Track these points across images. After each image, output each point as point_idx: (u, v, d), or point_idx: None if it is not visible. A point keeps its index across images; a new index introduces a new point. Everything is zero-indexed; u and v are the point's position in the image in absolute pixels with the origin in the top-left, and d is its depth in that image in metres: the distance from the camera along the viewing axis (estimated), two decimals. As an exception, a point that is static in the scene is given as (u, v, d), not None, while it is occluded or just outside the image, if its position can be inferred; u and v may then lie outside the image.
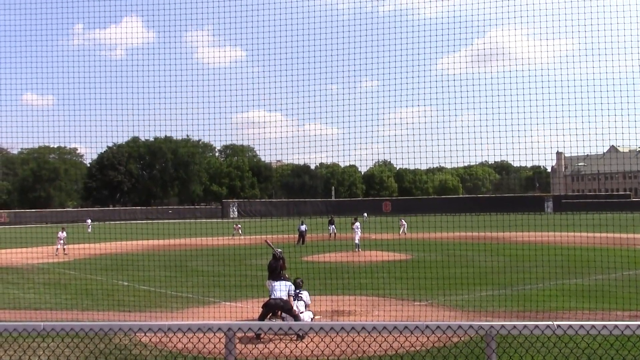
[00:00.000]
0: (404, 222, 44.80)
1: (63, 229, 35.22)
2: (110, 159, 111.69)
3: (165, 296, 18.33)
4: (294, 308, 12.76)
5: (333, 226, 43.38)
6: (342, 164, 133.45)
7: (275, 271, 14.58)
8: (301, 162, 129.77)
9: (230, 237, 42.71)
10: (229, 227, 50.09)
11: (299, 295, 13.19)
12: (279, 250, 15.21)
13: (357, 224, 34.83)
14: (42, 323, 4.77)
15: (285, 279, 13.51)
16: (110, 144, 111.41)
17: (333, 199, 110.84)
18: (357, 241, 33.09)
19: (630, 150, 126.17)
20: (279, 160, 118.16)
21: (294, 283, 13.50)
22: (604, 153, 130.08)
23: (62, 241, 33.97)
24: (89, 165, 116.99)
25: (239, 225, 48.42)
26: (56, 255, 32.70)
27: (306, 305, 13.19)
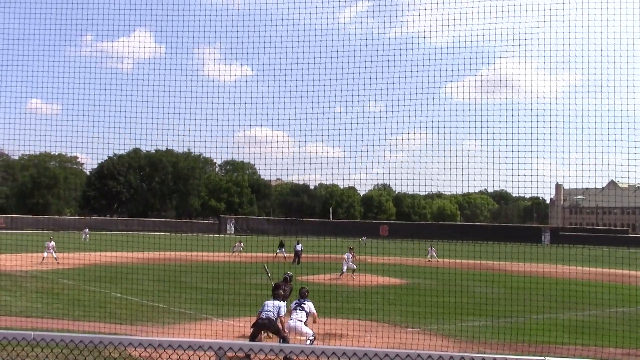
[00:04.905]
0: (433, 249, 44.91)
1: (51, 239, 35.11)
2: (110, 169, 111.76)
3: (158, 310, 18.25)
4: (290, 322, 12.73)
5: (283, 249, 42.68)
6: (341, 186, 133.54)
7: (276, 290, 14.57)
8: (301, 182, 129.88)
9: (230, 254, 42.47)
10: (225, 243, 49.89)
11: (302, 304, 13.14)
12: (290, 273, 15.52)
13: (348, 254, 33.10)
14: (32, 332, 4.77)
15: (278, 298, 13.37)
16: (111, 154, 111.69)
17: (331, 219, 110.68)
18: (344, 269, 31.54)
19: (629, 186, 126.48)
20: (278, 179, 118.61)
21: (299, 292, 13.48)
22: (602, 188, 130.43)
23: (50, 250, 33.67)
24: (88, 173, 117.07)
25: (241, 242, 47.91)
26: (41, 263, 32.28)
27: (307, 315, 13.09)
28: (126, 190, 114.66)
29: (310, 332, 12.92)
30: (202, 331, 14.75)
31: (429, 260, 42.17)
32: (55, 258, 33.21)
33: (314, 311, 13.28)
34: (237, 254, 43.80)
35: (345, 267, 31.15)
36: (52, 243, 34.22)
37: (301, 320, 12.92)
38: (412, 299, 19.84)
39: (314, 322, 13.53)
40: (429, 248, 45.22)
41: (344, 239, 55.93)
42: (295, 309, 13.09)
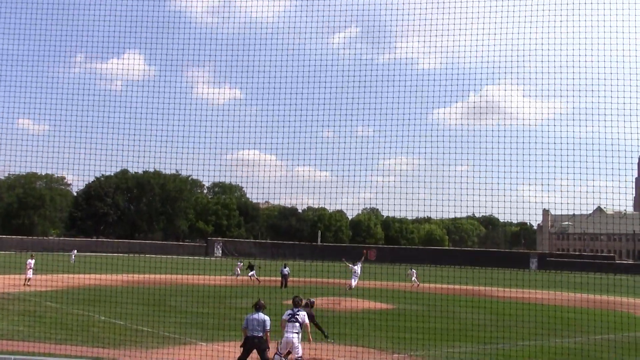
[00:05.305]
0: (414, 271, 44.72)
1: (32, 256, 34.69)
2: (98, 190, 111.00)
3: (142, 334, 18.05)
4: (287, 335, 12.72)
5: (253, 272, 42.23)
6: (329, 209, 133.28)
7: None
8: (289, 205, 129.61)
9: (232, 277, 41.97)
10: (212, 266, 49.30)
11: (296, 315, 12.96)
12: (312, 299, 15.94)
13: (354, 267, 34.36)
14: (12, 356, 4.74)
15: (259, 310, 12.86)
16: (98, 175, 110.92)
17: (319, 243, 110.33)
18: (353, 285, 32.82)
19: (615, 213, 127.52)
20: (266, 201, 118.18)
21: (293, 301, 13.31)
22: (587, 215, 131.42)
23: (30, 269, 33.14)
24: (75, 194, 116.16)
25: (241, 264, 47.27)
26: (28, 284, 31.88)
27: (301, 325, 12.96)
28: (113, 211, 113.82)
29: (300, 351, 12.82)
30: (186, 356, 14.62)
31: (416, 285, 42.05)
32: (29, 279, 32.50)
33: (307, 321, 13.12)
34: (236, 277, 43.17)
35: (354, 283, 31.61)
36: (33, 261, 33.70)
37: (298, 333, 12.79)
38: (399, 324, 19.80)
39: (308, 341, 13.45)
40: (410, 271, 45.04)
41: (332, 262, 55.70)
42: (290, 320, 12.92)
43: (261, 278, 41.86)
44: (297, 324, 12.86)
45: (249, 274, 41.88)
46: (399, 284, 39.60)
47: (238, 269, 45.59)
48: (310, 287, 32.16)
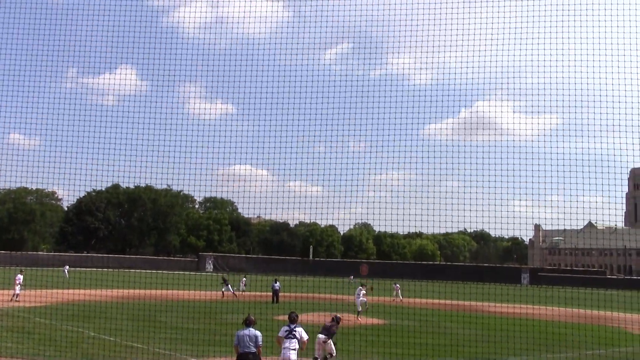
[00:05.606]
0: (398, 286, 44.55)
1: (21, 272, 34.39)
2: (89, 205, 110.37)
3: (133, 350, 17.92)
4: (284, 352, 12.56)
5: (228, 286, 41.41)
6: (321, 224, 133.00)
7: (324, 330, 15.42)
8: (281, 220, 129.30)
9: (239, 292, 41.74)
10: (203, 282, 48.87)
11: (294, 331, 12.79)
12: (339, 315, 16.29)
13: (359, 290, 34.34)
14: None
15: (249, 325, 12.60)
16: (89, 189, 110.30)
17: (311, 258, 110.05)
18: (359, 308, 32.54)
19: (606, 228, 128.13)
20: (258, 216, 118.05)
21: (289, 317, 13.20)
22: (577, 231, 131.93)
23: (18, 285, 32.78)
24: (66, 209, 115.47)
25: (244, 279, 46.73)
26: (16, 300, 31.58)
27: (299, 342, 12.85)
28: (104, 226, 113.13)
29: None
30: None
31: (394, 299, 41.81)
32: (17, 295, 32.19)
33: (305, 337, 12.96)
34: (240, 292, 42.80)
35: (359, 306, 31.22)
36: (22, 276, 33.39)
37: (295, 350, 12.65)
38: (391, 339, 19.76)
39: (302, 349, 13.36)
40: (394, 285, 44.88)
41: (323, 277, 55.67)
42: (287, 337, 12.78)
43: (252, 293, 41.67)
44: (295, 340, 12.75)
45: (223, 289, 40.90)
46: (390, 299, 39.58)
47: (242, 285, 45.26)
48: (302, 303, 32.09)
